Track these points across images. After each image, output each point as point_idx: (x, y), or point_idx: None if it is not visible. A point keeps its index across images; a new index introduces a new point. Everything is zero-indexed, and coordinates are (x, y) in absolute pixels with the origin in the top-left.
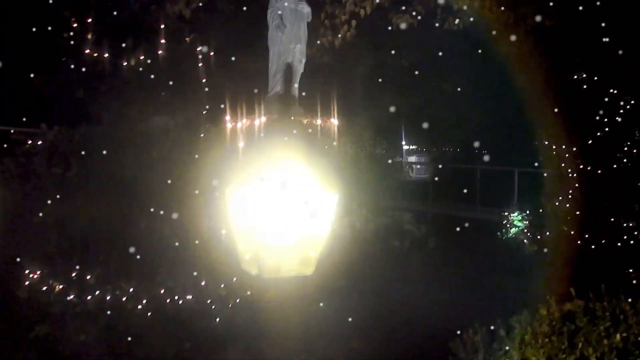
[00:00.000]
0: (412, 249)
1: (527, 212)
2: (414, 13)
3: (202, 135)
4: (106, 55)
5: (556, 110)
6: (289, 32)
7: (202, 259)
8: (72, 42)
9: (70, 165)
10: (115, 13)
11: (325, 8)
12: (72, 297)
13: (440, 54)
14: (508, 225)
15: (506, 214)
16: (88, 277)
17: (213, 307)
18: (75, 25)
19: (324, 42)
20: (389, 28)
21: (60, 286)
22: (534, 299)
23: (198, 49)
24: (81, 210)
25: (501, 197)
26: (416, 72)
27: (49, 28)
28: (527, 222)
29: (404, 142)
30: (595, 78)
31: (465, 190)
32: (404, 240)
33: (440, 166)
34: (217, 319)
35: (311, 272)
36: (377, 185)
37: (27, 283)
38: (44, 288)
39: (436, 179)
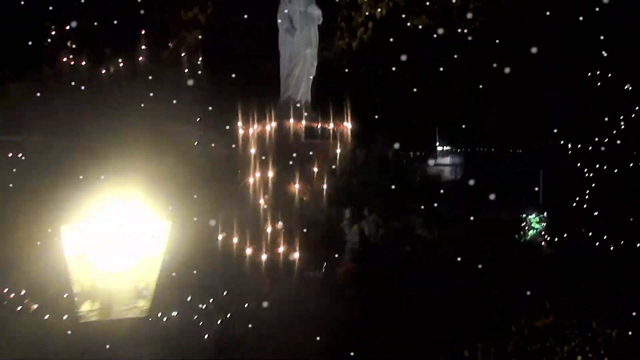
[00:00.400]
0: (424, 255)
1: (545, 213)
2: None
3: (196, 143)
4: (84, 63)
5: (570, 108)
6: (300, 36)
7: (187, 274)
8: (51, 51)
9: (47, 178)
10: (94, 21)
11: (341, 11)
12: (47, 316)
13: (457, 54)
14: (526, 227)
15: (524, 215)
16: (65, 295)
17: (200, 323)
18: (54, 33)
19: (341, 45)
20: (407, 29)
21: (36, 305)
22: (524, 310)
23: (183, 55)
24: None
25: (527, 197)
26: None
27: (28, 36)
28: (545, 224)
29: (437, 144)
30: (610, 75)
31: (492, 191)
32: (416, 245)
33: (460, 166)
34: (206, 336)
35: (147, 310)
36: (390, 189)
37: (5, 302)
38: (19, 308)
39: (464, 180)
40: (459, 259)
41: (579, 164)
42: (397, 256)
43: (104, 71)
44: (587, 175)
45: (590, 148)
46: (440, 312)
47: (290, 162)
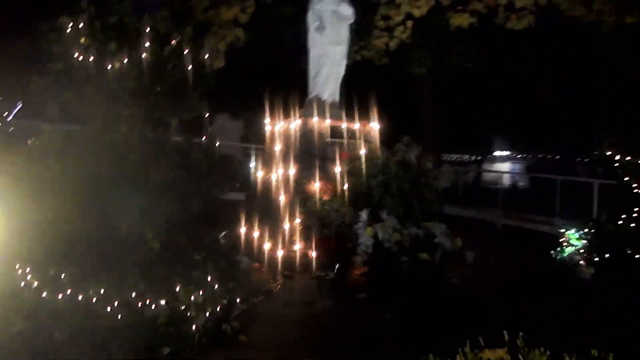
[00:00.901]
0: (444, 265)
1: (586, 229)
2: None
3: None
4: (91, 58)
5: (617, 115)
6: (329, 35)
7: (178, 264)
8: (62, 46)
9: (50, 165)
10: (105, 16)
11: (379, 9)
12: (45, 294)
13: (504, 54)
14: (564, 244)
15: (562, 230)
16: (62, 276)
17: (189, 313)
18: (69, 30)
19: (379, 44)
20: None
21: (36, 283)
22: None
23: (186, 51)
24: (59, 209)
25: (579, 210)
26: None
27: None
28: (586, 241)
29: (495, 149)
30: None
31: (538, 201)
32: (435, 253)
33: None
34: (194, 326)
35: None
36: (411, 193)
37: (9, 279)
38: (22, 284)
39: (510, 188)
40: (479, 269)
41: (626, 178)
42: (408, 263)
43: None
44: (636, 190)
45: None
46: (406, 330)
47: (312, 161)
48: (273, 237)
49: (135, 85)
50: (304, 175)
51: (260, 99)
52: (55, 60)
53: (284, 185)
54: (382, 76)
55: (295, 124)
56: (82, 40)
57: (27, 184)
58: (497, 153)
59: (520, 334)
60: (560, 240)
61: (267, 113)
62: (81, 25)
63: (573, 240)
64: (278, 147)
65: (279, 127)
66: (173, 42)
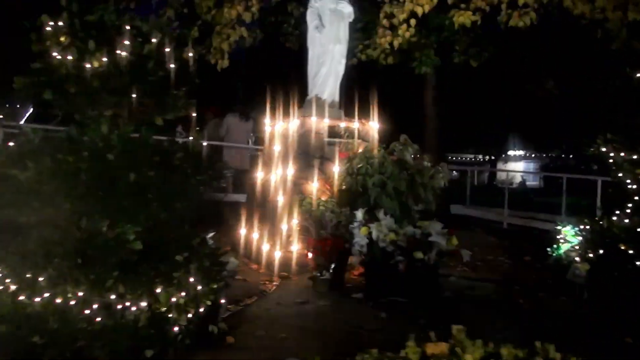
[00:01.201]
0: (439, 263)
1: (582, 226)
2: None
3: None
4: (70, 57)
5: (613, 111)
6: (328, 33)
7: (159, 265)
8: (43, 45)
9: (26, 167)
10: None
11: (383, 7)
12: (23, 297)
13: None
14: (561, 241)
15: (558, 227)
16: (40, 279)
17: (170, 315)
18: (49, 28)
19: (382, 43)
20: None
21: (14, 287)
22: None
23: (167, 50)
24: (36, 211)
25: (587, 207)
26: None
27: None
28: (582, 238)
29: (506, 149)
30: None
31: (550, 199)
32: (430, 252)
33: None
34: (176, 328)
35: None
36: (408, 192)
37: None
38: (0, 288)
39: (523, 186)
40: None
41: (620, 174)
42: (403, 263)
43: None
44: (631, 186)
45: (634, 157)
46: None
47: (310, 161)
48: (271, 237)
49: (115, 84)
50: (302, 176)
51: (262, 99)
52: (35, 59)
53: (283, 186)
54: (382, 75)
55: (294, 123)
56: (62, 38)
57: (3, 186)
58: (510, 152)
59: (460, 327)
60: (558, 237)
61: (268, 113)
62: (60, 23)
63: (569, 236)
64: (277, 148)
65: (278, 127)
66: (154, 40)
